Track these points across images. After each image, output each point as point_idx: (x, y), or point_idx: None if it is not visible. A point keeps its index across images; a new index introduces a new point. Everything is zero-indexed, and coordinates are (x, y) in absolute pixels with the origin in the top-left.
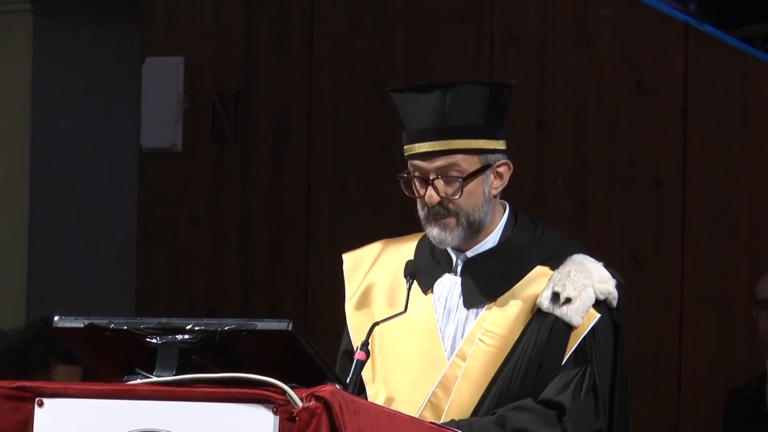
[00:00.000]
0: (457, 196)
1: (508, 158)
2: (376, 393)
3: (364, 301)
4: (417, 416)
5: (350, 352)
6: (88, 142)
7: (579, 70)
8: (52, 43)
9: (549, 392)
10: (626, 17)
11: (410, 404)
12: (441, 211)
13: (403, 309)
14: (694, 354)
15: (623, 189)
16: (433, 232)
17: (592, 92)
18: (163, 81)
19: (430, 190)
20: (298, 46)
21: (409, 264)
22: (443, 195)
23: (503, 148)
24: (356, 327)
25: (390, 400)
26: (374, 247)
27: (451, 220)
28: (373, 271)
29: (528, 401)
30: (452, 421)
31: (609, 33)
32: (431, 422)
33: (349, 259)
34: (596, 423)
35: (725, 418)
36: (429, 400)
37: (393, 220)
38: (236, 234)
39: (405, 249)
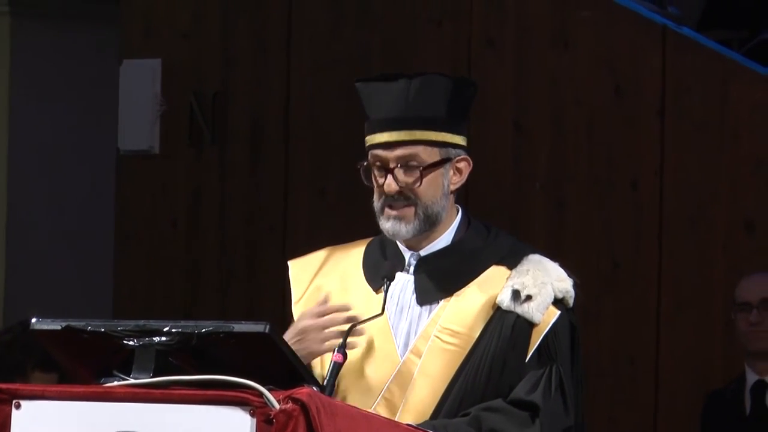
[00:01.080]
0: (416, 185)
1: (472, 157)
2: None
3: (310, 306)
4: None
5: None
6: (66, 144)
7: (557, 72)
8: (30, 45)
9: (519, 392)
10: (604, 20)
11: (363, 400)
12: (400, 200)
13: (379, 311)
14: (671, 356)
15: (601, 191)
16: (387, 225)
17: (569, 94)
18: (140, 83)
19: (390, 179)
20: (276, 48)
21: (383, 266)
22: (402, 184)
23: (464, 144)
24: None
25: (342, 397)
26: (320, 254)
27: (409, 211)
28: (320, 276)
29: (499, 402)
30: (426, 422)
31: (587, 35)
32: (408, 424)
33: (294, 265)
34: (566, 420)
35: (704, 419)
36: (383, 396)
37: (371, 222)
38: (214, 236)
39: (353, 254)
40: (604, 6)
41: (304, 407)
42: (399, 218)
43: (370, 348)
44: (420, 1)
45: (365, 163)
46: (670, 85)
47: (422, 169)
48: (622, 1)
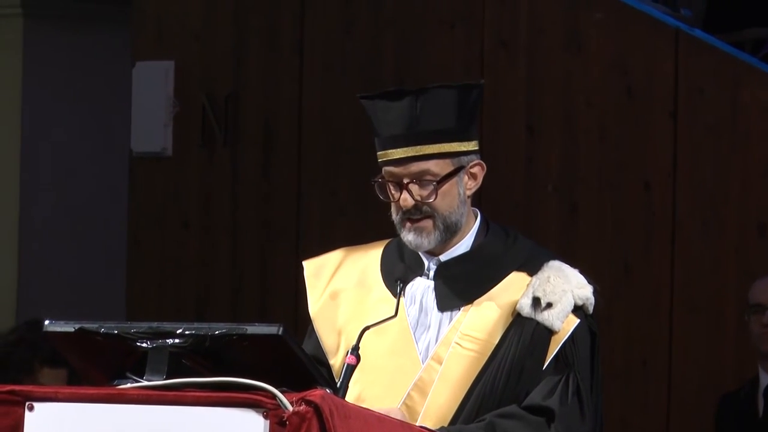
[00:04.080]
0: (431, 199)
1: (484, 159)
2: (347, 393)
3: (329, 308)
4: None
5: (318, 358)
6: (79, 145)
7: (569, 74)
8: (43, 47)
9: (535, 398)
10: (616, 21)
11: (383, 405)
12: (416, 214)
13: (393, 314)
14: (683, 359)
15: (613, 193)
16: (409, 237)
17: (582, 96)
18: (153, 85)
19: (405, 194)
20: (288, 50)
21: (399, 269)
22: (418, 198)
23: (476, 148)
24: (325, 333)
25: (361, 400)
26: (336, 255)
27: (428, 223)
28: (336, 277)
29: (514, 408)
30: (443, 428)
31: (599, 37)
32: (421, 426)
33: (310, 265)
34: (582, 427)
35: (717, 421)
36: (404, 402)
37: (382, 223)
38: (226, 238)
39: (370, 256)
40: (616, 8)
41: (317, 409)
42: (419, 230)
43: (391, 354)
44: (432, 4)
45: (379, 179)
46: (682, 87)
47: (436, 183)
48: (635, 3)
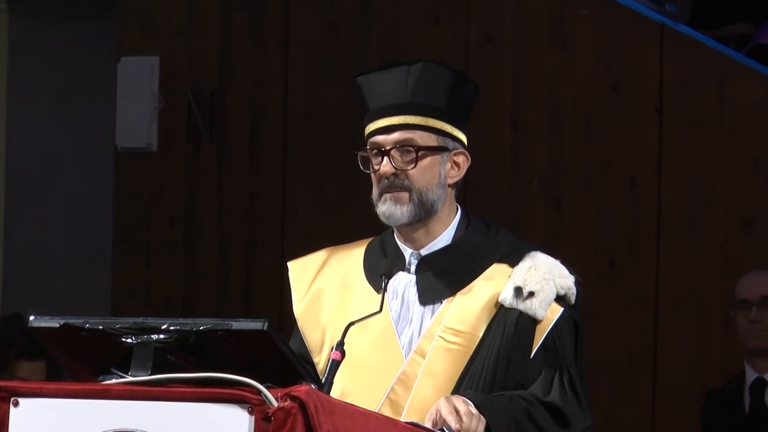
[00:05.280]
0: (411, 166)
1: (470, 154)
2: (332, 389)
3: (313, 306)
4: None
5: (303, 357)
6: (64, 141)
7: (555, 70)
8: (28, 42)
9: (535, 393)
10: (602, 17)
11: (367, 400)
12: (395, 183)
13: (378, 309)
14: (669, 355)
15: (599, 189)
16: (383, 207)
17: (567, 92)
18: (138, 81)
19: (386, 160)
20: (274, 46)
21: (381, 265)
22: (398, 166)
23: (464, 140)
24: (309, 331)
25: (345, 395)
26: (320, 255)
27: (404, 195)
28: (320, 277)
29: (528, 394)
30: (467, 392)
31: (585, 33)
32: (407, 422)
33: (294, 266)
34: (585, 420)
35: (704, 417)
36: (388, 397)
37: (369, 219)
38: (212, 234)
39: (353, 254)
40: (602, 3)
41: (302, 405)
42: (394, 201)
43: (374, 349)
44: None
45: (364, 151)
46: (667, 83)
47: (417, 149)
48: None
